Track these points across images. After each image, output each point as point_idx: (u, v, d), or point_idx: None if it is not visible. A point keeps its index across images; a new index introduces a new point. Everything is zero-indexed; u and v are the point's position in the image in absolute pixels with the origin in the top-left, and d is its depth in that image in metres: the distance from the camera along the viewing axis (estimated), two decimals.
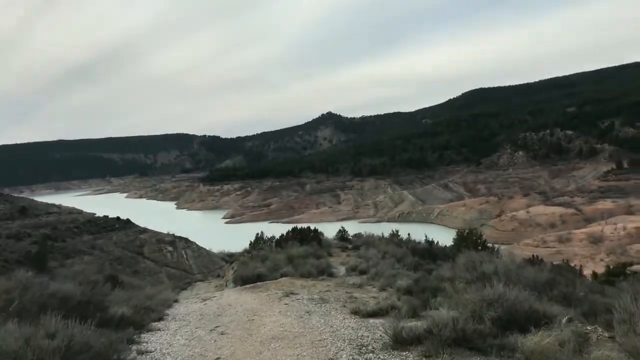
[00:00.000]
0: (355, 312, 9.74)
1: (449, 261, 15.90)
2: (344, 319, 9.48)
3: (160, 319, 10.64)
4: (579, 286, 11.84)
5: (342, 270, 17.53)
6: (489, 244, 22.10)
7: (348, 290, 13.06)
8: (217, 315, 10.73)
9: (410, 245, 21.59)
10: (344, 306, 10.74)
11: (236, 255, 25.50)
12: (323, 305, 10.98)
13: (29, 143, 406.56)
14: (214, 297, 13.78)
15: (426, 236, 24.40)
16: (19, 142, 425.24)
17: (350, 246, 23.47)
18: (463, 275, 11.04)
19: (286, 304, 11.31)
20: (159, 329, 9.62)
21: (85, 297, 9.25)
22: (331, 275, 16.22)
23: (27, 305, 8.02)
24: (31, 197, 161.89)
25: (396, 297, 11.02)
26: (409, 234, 24.82)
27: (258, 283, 14.97)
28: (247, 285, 15.03)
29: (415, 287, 11.17)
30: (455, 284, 10.22)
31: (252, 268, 16.87)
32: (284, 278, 15.25)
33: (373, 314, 9.51)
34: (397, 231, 25.43)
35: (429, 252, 19.59)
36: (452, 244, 21.60)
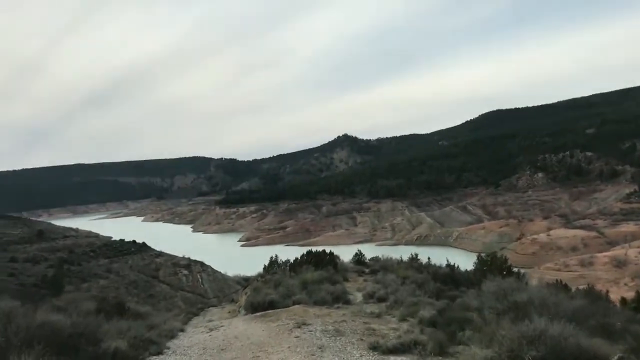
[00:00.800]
0: (374, 348, 8.86)
1: (473, 288, 15.03)
2: (361, 356, 8.62)
3: (159, 353, 9.94)
4: (614, 315, 11.04)
5: (359, 297, 16.69)
6: (514, 269, 20.95)
7: (366, 320, 12.12)
8: (220, 349, 10.06)
9: (431, 270, 20.64)
10: (361, 339, 9.86)
11: (250, 280, 24.80)
12: (338, 338, 10.06)
13: (47, 167, 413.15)
14: (222, 326, 13.20)
15: (447, 260, 23.39)
16: (37, 166, 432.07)
17: (367, 270, 22.65)
18: (492, 304, 10.22)
19: (297, 336, 10.42)
20: None
21: (77, 329, 8.46)
22: (347, 302, 15.38)
23: (10, 338, 7.31)
24: (49, 221, 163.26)
25: (419, 329, 10.09)
26: (428, 258, 23.93)
27: (269, 311, 14.31)
28: (258, 313, 14.35)
29: (439, 318, 10.30)
30: (485, 315, 9.49)
31: (263, 294, 16.23)
32: (297, 306, 14.49)
33: (394, 350, 8.60)
34: (416, 255, 24.44)
35: (451, 277, 18.61)
36: (475, 268, 20.55)
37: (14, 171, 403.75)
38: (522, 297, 9.33)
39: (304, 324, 11.56)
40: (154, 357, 9.69)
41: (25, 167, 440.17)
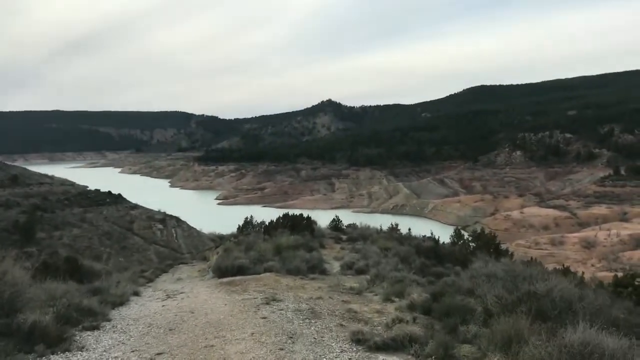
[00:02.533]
0: (358, 341, 7.31)
1: (457, 265, 14.07)
2: (342, 351, 7.05)
3: (94, 328, 8.36)
4: (615, 306, 9.83)
5: (336, 266, 15.52)
6: (503, 246, 20.26)
7: (345, 298, 10.81)
8: (168, 329, 8.36)
9: (413, 243, 19.46)
10: (341, 325, 8.37)
11: (224, 239, 24.63)
12: (313, 322, 8.51)
13: (25, 111, 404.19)
14: (182, 293, 12.10)
15: (432, 233, 23.05)
16: (15, 109, 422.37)
17: (344, 238, 21.87)
18: (492, 291, 8.45)
19: (264, 317, 8.83)
20: (82, 348, 7.32)
21: None
22: (323, 272, 14.29)
23: None
24: (24, 166, 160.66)
25: (410, 316, 8.56)
26: (409, 229, 23.17)
27: (237, 278, 13.13)
28: (225, 279, 13.21)
29: (433, 304, 8.95)
30: (488, 304, 7.95)
31: (233, 258, 14.88)
32: (268, 274, 13.29)
33: (384, 347, 7.07)
34: (397, 225, 23.91)
35: (435, 252, 17.15)
36: (459, 244, 20.14)
37: None
38: (542, 288, 7.63)
39: (274, 299, 10.18)
40: (87, 332, 8.13)
41: (1, 109, 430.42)
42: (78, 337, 7.81)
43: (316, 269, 14.32)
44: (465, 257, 15.00)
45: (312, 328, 8.20)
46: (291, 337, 7.65)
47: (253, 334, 7.84)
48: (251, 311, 9.37)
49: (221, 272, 14.22)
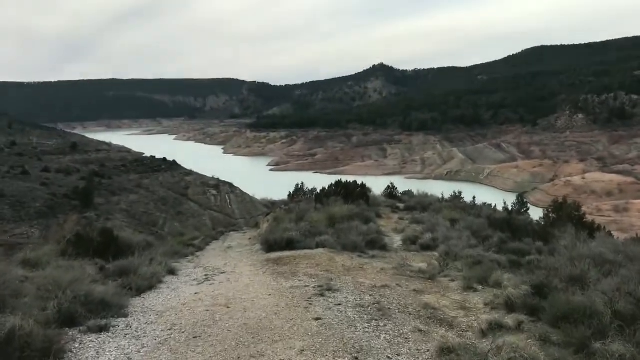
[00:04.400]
0: None
1: (537, 240, 12.10)
2: None
3: (102, 329, 6.63)
4: None
5: (396, 240, 13.71)
6: (586, 219, 17.31)
7: (415, 285, 8.99)
8: (193, 336, 6.56)
9: (483, 213, 17.20)
10: (420, 330, 6.56)
11: (276, 205, 24.06)
12: (382, 325, 6.73)
13: (83, 80, 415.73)
14: (223, 273, 10.64)
15: (505, 203, 20.79)
16: (73, 79, 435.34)
17: (401, 206, 20.30)
18: (613, 283, 6.59)
19: (318, 318, 7.03)
20: None
21: None
22: (384, 248, 12.54)
23: None
24: (83, 134, 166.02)
25: (511, 320, 6.58)
26: (474, 197, 21.09)
27: (286, 253, 11.71)
28: (273, 255, 11.84)
29: (539, 301, 6.81)
30: (615, 305, 5.86)
31: (282, 230, 13.53)
32: (321, 250, 11.69)
33: None
34: (460, 193, 22.05)
35: (509, 224, 14.80)
36: (519, 210, 18.32)
37: (51, 82, 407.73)
38: None
39: (329, 288, 8.39)
40: (90, 337, 6.36)
41: (61, 79, 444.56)
42: (75, 346, 6.04)
43: (375, 244, 12.69)
44: (546, 231, 13.09)
45: (382, 337, 6.34)
46: (357, 352, 5.79)
47: (303, 350, 5.88)
48: (301, 307, 7.63)
49: (269, 245, 12.95)
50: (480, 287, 8.60)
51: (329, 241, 12.41)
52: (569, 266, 8.07)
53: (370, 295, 8.10)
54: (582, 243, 9.62)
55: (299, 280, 9.19)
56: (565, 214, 16.05)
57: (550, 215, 16.76)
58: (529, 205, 20.98)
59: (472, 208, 19.18)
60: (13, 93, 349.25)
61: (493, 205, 19.83)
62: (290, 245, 12.63)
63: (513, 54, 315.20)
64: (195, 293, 8.83)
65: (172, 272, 10.93)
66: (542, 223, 16.03)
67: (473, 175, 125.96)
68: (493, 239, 12.55)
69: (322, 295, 8.15)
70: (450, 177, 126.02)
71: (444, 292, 8.56)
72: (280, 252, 12.12)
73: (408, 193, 23.69)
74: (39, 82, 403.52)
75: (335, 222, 14.55)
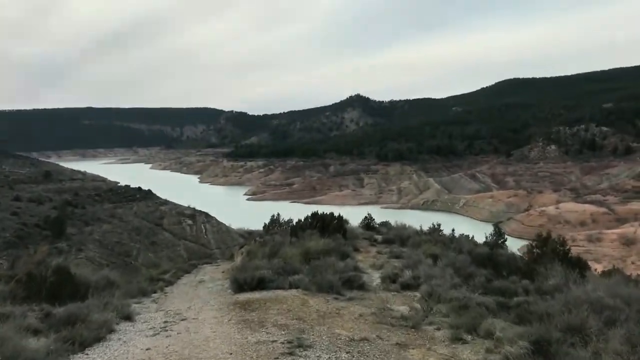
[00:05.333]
0: None
1: (521, 277, 11.44)
2: None
3: None
4: None
5: (375, 277, 13.01)
6: (572, 255, 16.39)
7: (397, 335, 8.14)
8: None
9: (464, 248, 16.38)
10: None
11: (249, 237, 23.69)
12: None
13: (58, 109, 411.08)
14: (184, 319, 9.57)
15: (492, 236, 19.70)
16: (48, 107, 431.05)
17: (379, 238, 19.57)
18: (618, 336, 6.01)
19: None
20: None
21: None
22: (361, 287, 11.77)
23: None
24: (58, 163, 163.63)
25: None
26: (453, 230, 20.20)
27: (255, 296, 10.93)
28: (241, 297, 11.03)
29: None
30: None
31: (253, 268, 12.74)
32: (293, 292, 11.06)
33: None
34: (439, 225, 21.20)
35: (490, 259, 14.14)
36: (525, 251, 16.74)
37: (26, 110, 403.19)
38: None
39: (300, 345, 7.45)
40: None
41: (37, 107, 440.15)
42: None
43: (353, 283, 11.84)
44: (530, 268, 12.34)
45: None
46: None
47: None
48: None
49: (238, 285, 12.05)
50: (470, 337, 7.85)
51: (302, 281, 11.61)
52: (565, 313, 7.38)
53: (347, 353, 7.23)
54: (575, 284, 8.94)
55: (267, 333, 8.18)
56: (550, 249, 15.25)
57: (534, 250, 15.95)
58: (506, 236, 20.57)
59: (452, 241, 18.33)
60: None
61: (471, 236, 19.27)
62: (261, 284, 11.80)
63: (487, 86, 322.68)
64: (147, 349, 7.67)
65: (128, 317, 9.89)
66: (525, 259, 15.30)
67: (449, 204, 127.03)
68: (477, 278, 11.81)
69: (291, 354, 7.18)
70: (426, 206, 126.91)
71: (429, 345, 7.74)
72: (250, 294, 11.34)
73: (386, 224, 23.10)
74: (13, 110, 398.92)
75: (311, 257, 13.81)
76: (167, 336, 8.44)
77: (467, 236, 19.15)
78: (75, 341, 7.64)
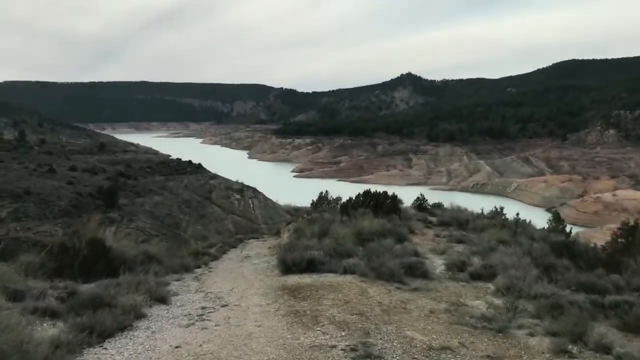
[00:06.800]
0: None
1: (605, 269, 10.04)
2: None
3: None
4: None
5: (438, 264, 11.63)
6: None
7: (484, 344, 6.75)
8: None
9: (537, 235, 14.75)
10: None
11: (297, 214, 23.21)
12: None
13: (114, 82, 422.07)
14: (223, 307, 8.36)
15: (551, 221, 18.30)
16: (104, 80, 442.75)
17: (434, 220, 18.19)
18: None
19: None
20: None
21: None
22: (425, 276, 10.45)
23: None
24: (112, 135, 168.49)
25: None
26: (517, 214, 17.59)
27: (305, 280, 9.84)
28: (290, 281, 9.93)
29: None
30: None
31: (302, 247, 11.63)
32: (349, 278, 9.85)
33: None
34: (502, 208, 19.10)
35: (567, 248, 12.26)
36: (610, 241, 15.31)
37: (83, 83, 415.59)
38: None
39: (367, 356, 6.11)
40: None
41: (93, 80, 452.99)
42: None
43: (415, 270, 10.49)
44: (614, 259, 10.78)
45: None
46: None
47: None
48: None
49: (286, 266, 10.93)
50: (576, 348, 6.35)
51: (358, 266, 10.39)
52: None
53: None
54: None
55: (323, 333, 6.87)
56: (638, 240, 13.22)
57: (619, 239, 14.03)
58: (564, 222, 19.19)
59: (517, 226, 16.55)
60: (46, 93, 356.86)
61: (528, 221, 17.90)
62: (311, 266, 10.72)
63: (544, 67, 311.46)
64: (176, 347, 6.46)
65: (162, 299, 8.75)
66: (607, 249, 13.46)
67: (500, 188, 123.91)
68: (564, 271, 10.14)
69: None
70: (476, 189, 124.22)
71: (527, 358, 6.33)
72: (300, 276, 10.29)
73: (438, 205, 21.92)
74: (72, 83, 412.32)
75: (364, 238, 12.67)
76: (203, 328, 7.33)
77: (524, 221, 17.72)
78: (94, 330, 6.54)
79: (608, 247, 13.97)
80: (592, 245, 14.10)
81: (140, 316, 7.62)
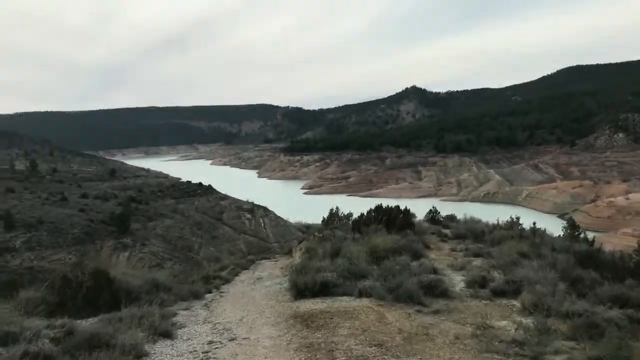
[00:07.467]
0: None
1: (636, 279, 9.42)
2: None
3: None
4: None
5: (457, 280, 11.21)
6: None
7: None
8: None
9: (558, 245, 14.18)
10: None
11: (308, 232, 23.15)
12: None
13: (122, 108, 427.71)
14: (230, 342, 7.74)
15: (566, 228, 17.17)
16: (113, 107, 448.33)
17: (448, 233, 17.75)
18: None
19: None
20: None
21: None
22: (444, 295, 9.81)
23: None
24: (122, 160, 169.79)
25: None
26: (534, 223, 16.79)
27: (319, 306, 9.37)
28: (302, 307, 9.48)
29: None
30: None
31: (314, 269, 11.19)
32: (365, 302, 9.34)
33: None
34: (518, 218, 18.38)
35: (591, 259, 11.70)
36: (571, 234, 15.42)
37: (91, 111, 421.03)
38: None
39: None
40: None
41: (102, 107, 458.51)
42: None
43: (434, 289, 9.86)
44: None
45: None
46: None
47: None
48: None
49: (298, 290, 10.44)
50: None
51: (375, 288, 9.81)
52: None
53: None
54: None
55: None
56: None
57: None
58: (581, 229, 18.81)
59: (534, 236, 15.77)
60: (56, 122, 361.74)
61: (542, 229, 17.58)
62: (325, 289, 10.17)
63: (548, 74, 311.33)
64: None
65: (167, 334, 8.02)
66: (635, 257, 12.66)
67: (511, 196, 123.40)
68: (593, 284, 9.46)
69: None
70: (487, 198, 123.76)
71: None
72: (312, 301, 9.79)
73: (452, 218, 21.54)
74: (80, 111, 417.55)
75: (378, 256, 12.19)
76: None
77: (542, 230, 17.33)
78: None
79: (635, 254, 13.34)
80: (619, 253, 13.04)
81: (141, 355, 6.95)
